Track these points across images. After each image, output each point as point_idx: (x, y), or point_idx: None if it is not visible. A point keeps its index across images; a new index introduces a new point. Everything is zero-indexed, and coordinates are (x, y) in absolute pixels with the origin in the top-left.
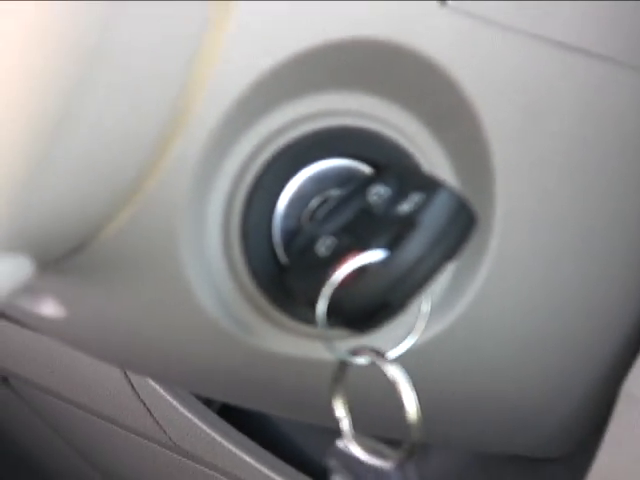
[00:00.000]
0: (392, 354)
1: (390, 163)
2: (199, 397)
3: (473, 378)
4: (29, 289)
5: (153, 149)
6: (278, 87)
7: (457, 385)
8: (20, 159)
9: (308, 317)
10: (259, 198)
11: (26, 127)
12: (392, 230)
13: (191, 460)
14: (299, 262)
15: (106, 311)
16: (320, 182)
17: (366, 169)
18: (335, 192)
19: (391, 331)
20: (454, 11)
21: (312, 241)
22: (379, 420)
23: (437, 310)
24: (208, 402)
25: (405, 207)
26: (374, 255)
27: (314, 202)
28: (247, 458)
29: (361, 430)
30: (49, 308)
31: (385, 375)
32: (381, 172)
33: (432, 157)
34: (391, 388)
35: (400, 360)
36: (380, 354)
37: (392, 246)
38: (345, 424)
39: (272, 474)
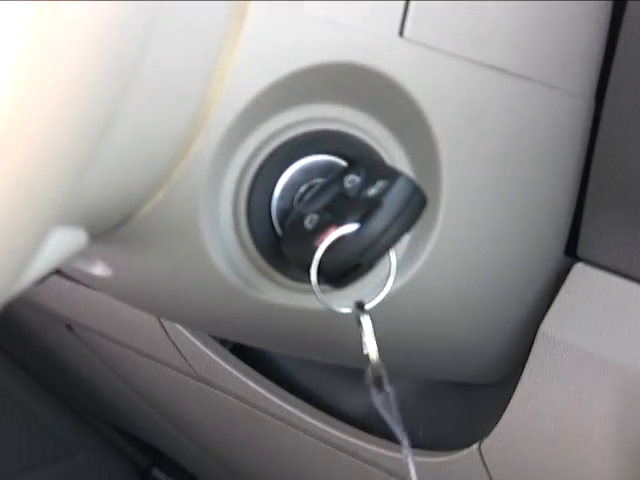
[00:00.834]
0: (368, 306)
1: (360, 158)
2: (215, 337)
3: (428, 320)
4: (84, 254)
5: (179, 147)
6: (275, 100)
7: (416, 326)
8: (75, 154)
9: (297, 275)
10: (260, 184)
11: (79, 129)
12: (362, 209)
13: (209, 386)
14: (291, 233)
15: (142, 271)
16: (307, 173)
17: (342, 162)
18: (319, 180)
19: (366, 285)
20: (409, 41)
21: (301, 218)
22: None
23: (398, 270)
24: (223, 342)
25: (372, 191)
26: (349, 228)
27: (302, 188)
28: (252, 384)
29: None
30: (99, 269)
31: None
32: (354, 165)
33: (393, 153)
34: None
35: (372, 307)
36: (360, 305)
37: (362, 221)
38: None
39: (271, 396)
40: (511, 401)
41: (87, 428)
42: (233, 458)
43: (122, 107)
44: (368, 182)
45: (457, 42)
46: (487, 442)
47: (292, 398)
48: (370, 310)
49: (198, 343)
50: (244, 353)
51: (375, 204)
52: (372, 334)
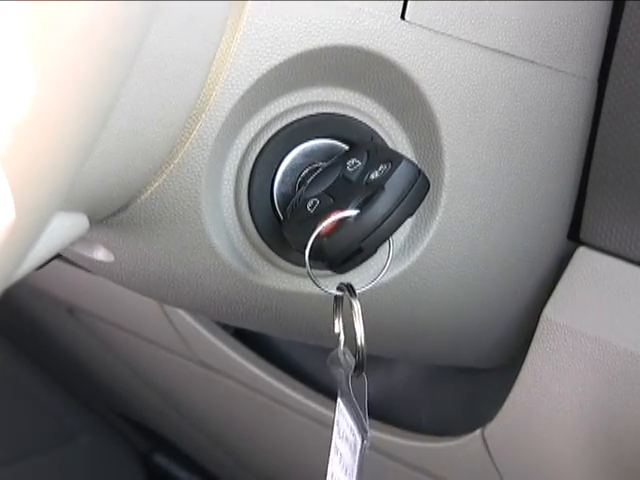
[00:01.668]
0: (362, 289)
1: (362, 142)
2: (217, 322)
3: (429, 306)
4: (85, 239)
5: (179, 132)
6: (276, 83)
7: (417, 311)
8: (77, 139)
9: (299, 260)
10: (262, 168)
11: (80, 114)
12: (364, 193)
13: (211, 370)
14: (293, 218)
15: (143, 256)
16: (309, 156)
17: (344, 146)
18: (320, 164)
19: (365, 271)
20: (411, 24)
21: (303, 202)
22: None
23: (400, 255)
24: (225, 326)
25: (374, 175)
26: (350, 212)
27: (304, 172)
28: (254, 368)
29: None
30: (100, 254)
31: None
32: (355, 148)
33: (395, 137)
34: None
35: (373, 293)
36: (352, 289)
37: (364, 205)
38: (340, 339)
39: (273, 381)
40: (514, 386)
41: (90, 412)
42: (235, 443)
43: (123, 92)
44: (370, 166)
45: (459, 25)
46: (490, 427)
47: (294, 382)
48: (364, 295)
49: (200, 327)
50: (246, 337)
51: (377, 188)
52: (360, 317)
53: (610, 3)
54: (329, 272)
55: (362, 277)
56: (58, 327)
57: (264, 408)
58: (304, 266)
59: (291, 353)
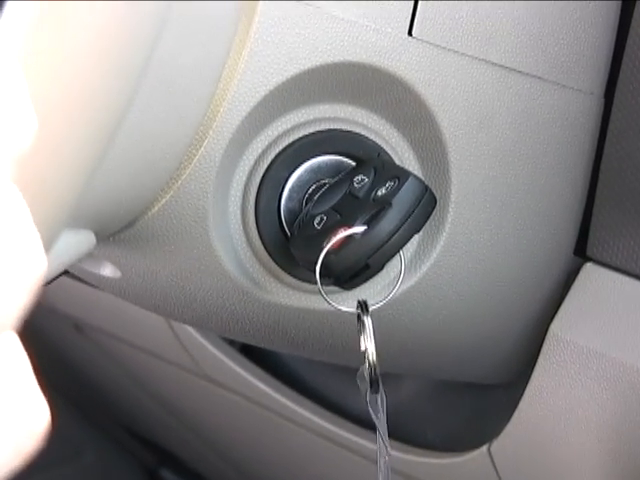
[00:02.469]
0: (374, 306)
1: (369, 158)
2: (224, 338)
3: (436, 321)
4: (92, 256)
5: (186, 149)
6: (283, 100)
7: (424, 326)
8: (84, 157)
9: (306, 276)
10: (269, 185)
11: (87, 131)
12: (371, 209)
13: (217, 386)
14: (300, 234)
15: (150, 273)
16: (316, 172)
17: (351, 162)
18: (327, 180)
19: (372, 287)
20: (418, 41)
21: (309, 218)
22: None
23: (407, 271)
24: (231, 342)
25: (381, 191)
26: (357, 229)
27: (311, 188)
28: (260, 384)
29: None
30: (107, 270)
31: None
32: (362, 165)
33: (402, 153)
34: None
35: (381, 309)
36: (364, 306)
37: (371, 222)
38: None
39: (278, 396)
40: (521, 402)
41: (95, 428)
42: (240, 457)
43: (130, 109)
44: (377, 182)
45: (466, 42)
46: (497, 443)
47: (300, 398)
48: (372, 311)
49: (206, 343)
50: (252, 353)
51: (384, 205)
52: (372, 335)
53: (617, 19)
54: (335, 288)
55: (368, 293)
56: (65, 343)
57: (270, 423)
58: (310, 282)
59: (297, 369)
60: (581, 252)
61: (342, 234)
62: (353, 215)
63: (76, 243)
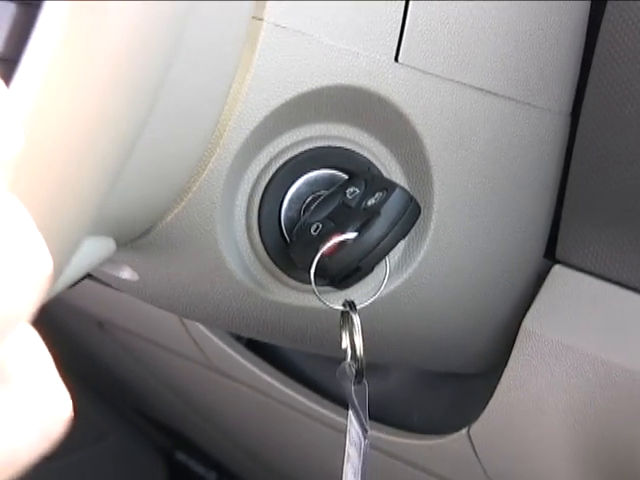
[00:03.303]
0: (361, 305)
1: (360, 171)
2: (231, 334)
3: (421, 318)
4: (113, 260)
5: (196, 163)
6: (283, 119)
7: (410, 323)
8: (106, 169)
9: (304, 278)
10: (271, 196)
11: (109, 146)
12: (362, 218)
13: (225, 377)
14: (298, 240)
15: (165, 276)
16: (312, 185)
17: (344, 176)
18: (323, 192)
19: (363, 287)
20: (403, 66)
21: (307, 226)
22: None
23: (394, 272)
24: (238, 337)
25: (371, 202)
26: (349, 235)
27: (308, 199)
28: (264, 375)
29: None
30: (126, 273)
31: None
32: (354, 178)
33: (389, 167)
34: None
35: (371, 307)
36: (353, 305)
37: (362, 229)
38: (347, 353)
39: (280, 386)
40: (497, 389)
41: (117, 415)
42: (249, 441)
43: (145, 127)
44: (367, 193)
45: (447, 67)
46: (475, 426)
47: (301, 388)
48: (362, 308)
49: (215, 338)
50: (257, 347)
51: (374, 213)
52: (360, 330)
53: (582, 42)
54: (330, 288)
55: (359, 293)
56: (89, 339)
57: (274, 411)
58: (308, 283)
59: (298, 362)
60: (551, 255)
61: (336, 240)
62: (346, 223)
63: (97, 249)
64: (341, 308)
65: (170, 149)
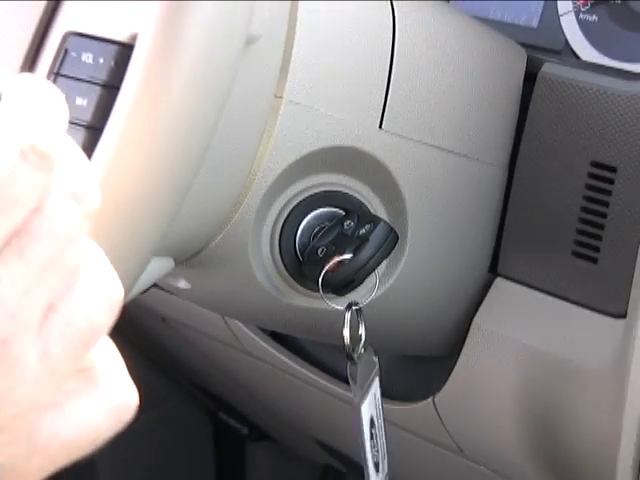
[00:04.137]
0: (359, 304)
1: (354, 209)
2: (260, 327)
3: (398, 317)
4: (172, 274)
5: (233, 204)
6: (297, 171)
7: (390, 320)
8: (171, 204)
9: (313, 287)
10: (288, 227)
11: (168, 194)
12: (355, 243)
13: (255, 358)
14: (309, 260)
15: (210, 286)
16: (319, 219)
17: (342, 212)
18: (327, 224)
19: (356, 294)
20: (386, 131)
21: (315, 249)
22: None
23: (380, 283)
24: (264, 330)
25: (362, 231)
26: (347, 256)
27: (316, 229)
28: (284, 358)
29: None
30: (181, 283)
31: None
32: (349, 214)
33: (375, 206)
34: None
35: (363, 308)
36: (351, 305)
37: (356, 251)
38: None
39: (296, 365)
40: (454, 369)
41: (174, 385)
42: (271, 404)
43: (196, 176)
44: (359, 225)
45: (419, 131)
46: (439, 396)
47: (313, 368)
48: (358, 308)
49: (248, 330)
50: (279, 336)
51: (364, 240)
52: (364, 324)
53: (517, 107)
54: (333, 295)
55: (354, 298)
56: (155, 330)
57: (291, 384)
58: (316, 291)
59: (310, 347)
60: (494, 270)
61: (337, 259)
62: (344, 247)
63: (160, 265)
64: (342, 309)
65: (213, 193)
